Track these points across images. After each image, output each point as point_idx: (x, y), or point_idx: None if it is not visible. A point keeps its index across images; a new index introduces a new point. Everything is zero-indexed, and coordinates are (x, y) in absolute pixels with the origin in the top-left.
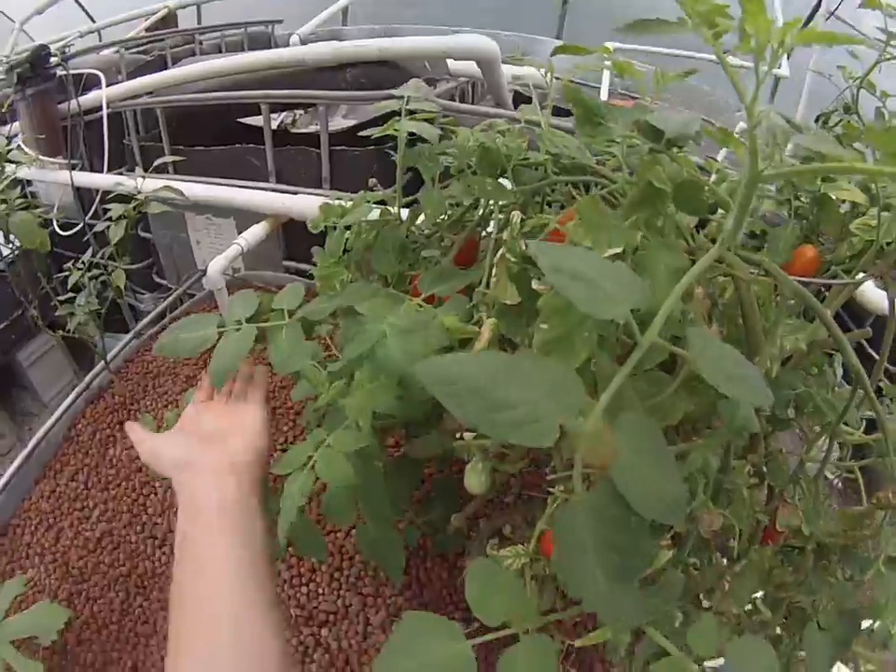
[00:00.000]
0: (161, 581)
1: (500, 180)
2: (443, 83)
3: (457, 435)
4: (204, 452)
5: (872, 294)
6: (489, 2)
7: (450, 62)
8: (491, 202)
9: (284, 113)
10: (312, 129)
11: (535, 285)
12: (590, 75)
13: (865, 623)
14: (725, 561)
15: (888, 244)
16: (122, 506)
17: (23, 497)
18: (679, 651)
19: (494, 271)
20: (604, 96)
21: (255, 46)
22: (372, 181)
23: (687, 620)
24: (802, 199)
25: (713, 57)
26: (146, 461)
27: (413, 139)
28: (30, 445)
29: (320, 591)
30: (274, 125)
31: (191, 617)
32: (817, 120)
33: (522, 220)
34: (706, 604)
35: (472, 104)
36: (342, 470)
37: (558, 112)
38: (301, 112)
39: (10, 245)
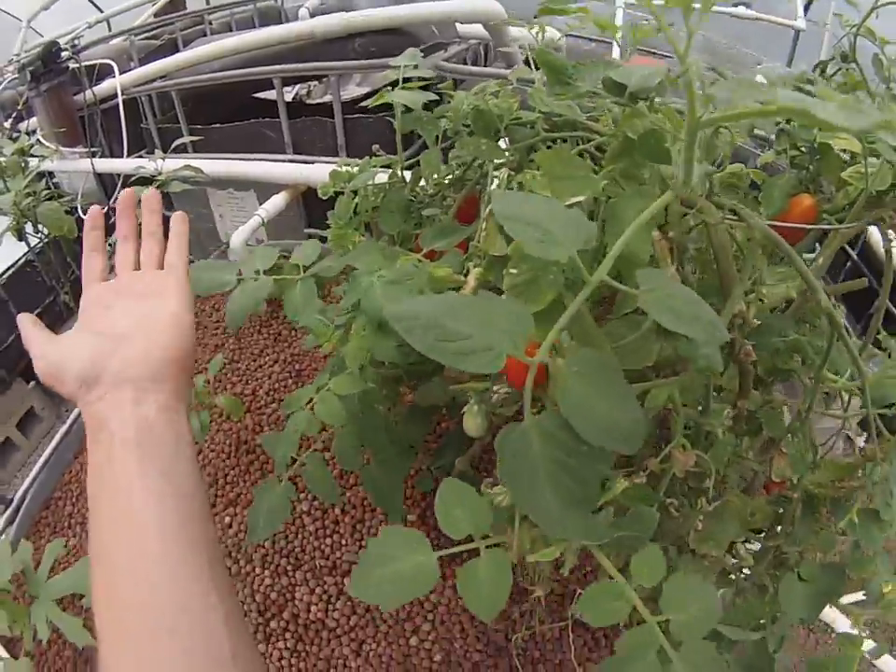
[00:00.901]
0: None
1: (497, 140)
2: (454, 46)
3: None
4: (117, 358)
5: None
6: None
7: (459, 24)
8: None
9: (298, 85)
10: (326, 99)
11: None
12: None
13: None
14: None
15: (880, 192)
16: None
17: (64, 471)
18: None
19: (484, 224)
20: (616, 53)
21: (265, 21)
22: (375, 147)
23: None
24: (801, 149)
25: (730, 10)
26: (46, 381)
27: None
28: (67, 422)
29: (343, 542)
30: (290, 97)
31: (117, 596)
32: (814, 70)
33: (509, 177)
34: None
35: (486, 65)
36: (335, 411)
37: None
38: (316, 83)
39: (39, 235)
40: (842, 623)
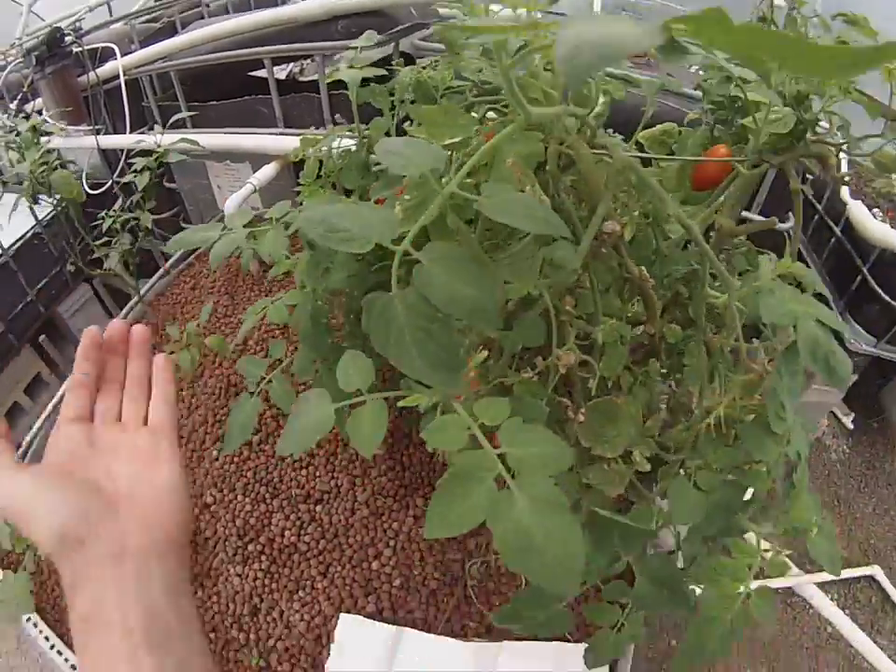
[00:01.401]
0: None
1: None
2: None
3: None
4: (108, 521)
5: (873, 226)
6: None
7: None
8: None
9: (292, 64)
10: (317, 76)
11: None
12: None
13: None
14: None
15: (783, 135)
16: None
17: None
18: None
19: None
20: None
21: (261, 3)
22: (337, 116)
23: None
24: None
25: None
26: (6, 515)
27: (368, 80)
28: (66, 384)
29: (317, 473)
30: (283, 75)
31: None
32: None
33: None
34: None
35: None
36: (282, 315)
37: None
38: (308, 62)
39: (52, 201)
40: (819, 600)
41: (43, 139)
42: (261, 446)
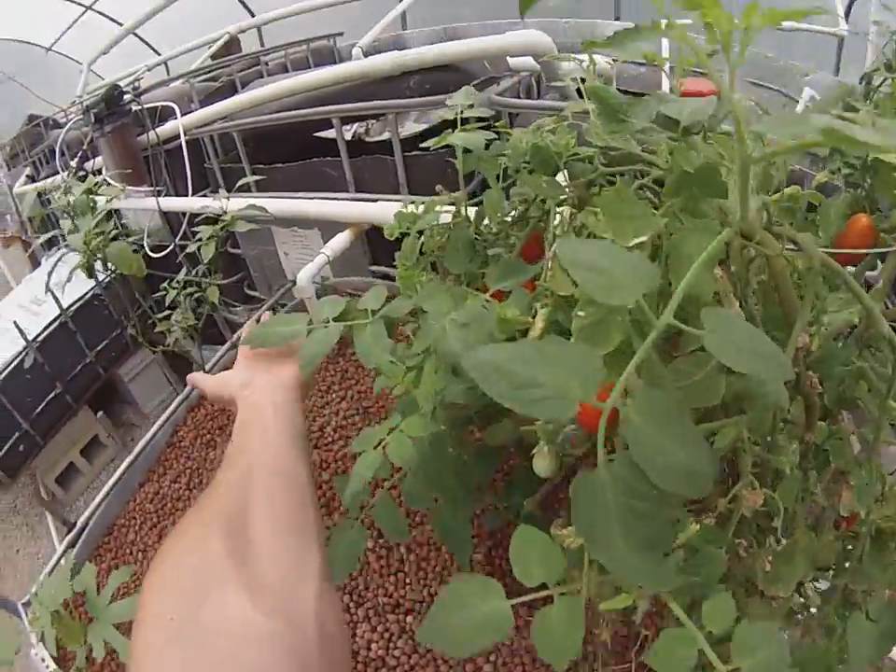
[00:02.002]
0: None
1: (555, 177)
2: (506, 79)
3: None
4: (262, 373)
5: None
6: None
7: (510, 58)
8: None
9: (356, 124)
10: (385, 136)
11: None
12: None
13: None
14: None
15: None
16: None
17: (128, 499)
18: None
19: (550, 264)
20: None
21: (319, 60)
22: (438, 187)
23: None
24: (854, 166)
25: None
26: (213, 394)
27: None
28: (134, 451)
29: (407, 580)
30: (349, 136)
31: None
32: (861, 82)
33: (571, 214)
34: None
35: (538, 97)
36: (408, 452)
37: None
38: (374, 121)
39: (108, 273)
40: None
41: (100, 200)
42: None
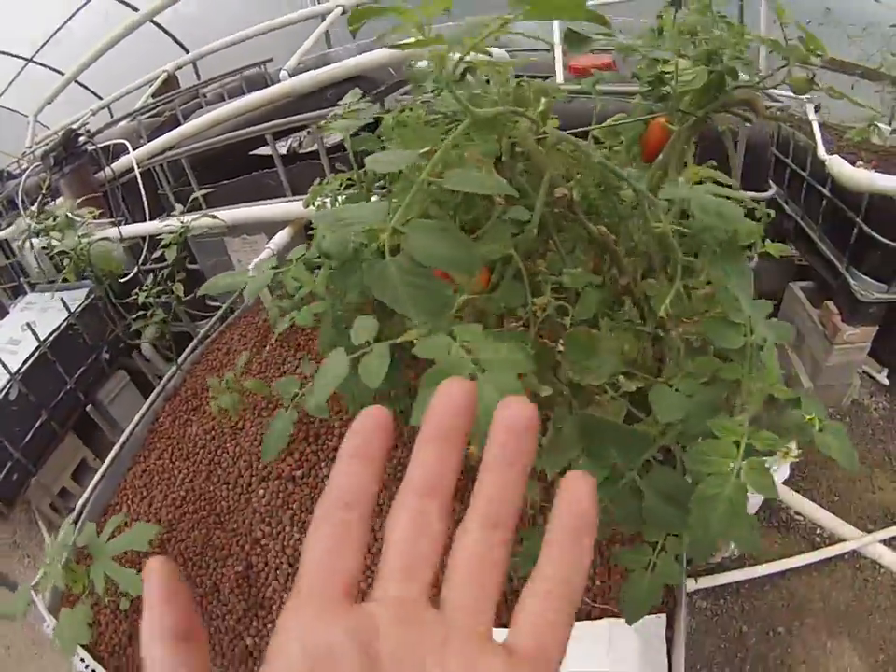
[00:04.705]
0: (234, 515)
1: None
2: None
3: None
4: None
5: (854, 174)
6: None
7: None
8: None
9: (290, 138)
10: (315, 147)
11: None
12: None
13: None
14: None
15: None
16: (201, 466)
17: (119, 482)
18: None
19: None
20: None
21: (253, 87)
22: (337, 164)
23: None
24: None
25: None
26: None
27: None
28: (120, 441)
29: None
30: (284, 150)
31: None
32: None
33: None
34: None
35: None
36: (306, 319)
37: None
38: (305, 134)
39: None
40: (889, 557)
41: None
42: (305, 479)
